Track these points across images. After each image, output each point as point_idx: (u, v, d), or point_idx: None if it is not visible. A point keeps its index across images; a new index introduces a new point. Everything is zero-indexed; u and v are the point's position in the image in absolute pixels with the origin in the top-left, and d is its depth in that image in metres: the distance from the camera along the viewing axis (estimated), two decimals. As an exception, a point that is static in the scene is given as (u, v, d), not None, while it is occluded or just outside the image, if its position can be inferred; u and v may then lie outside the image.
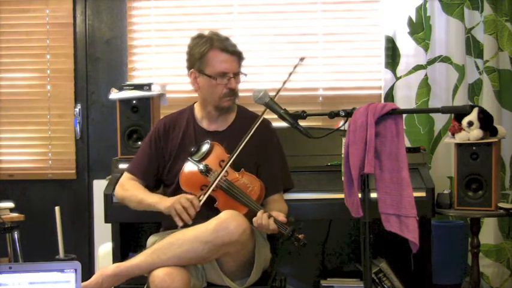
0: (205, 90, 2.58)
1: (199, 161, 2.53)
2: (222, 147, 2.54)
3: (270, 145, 2.63)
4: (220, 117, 2.64)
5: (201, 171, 2.50)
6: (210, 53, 2.52)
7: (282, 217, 2.31)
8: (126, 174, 2.70)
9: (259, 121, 2.46)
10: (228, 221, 2.26)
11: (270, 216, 2.29)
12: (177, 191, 2.57)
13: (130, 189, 2.61)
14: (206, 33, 2.59)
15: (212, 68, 2.53)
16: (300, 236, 2.26)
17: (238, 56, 2.56)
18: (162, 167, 2.66)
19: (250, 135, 2.43)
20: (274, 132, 2.67)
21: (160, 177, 2.68)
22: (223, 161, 2.50)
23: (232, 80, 2.53)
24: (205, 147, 2.55)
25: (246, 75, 2.60)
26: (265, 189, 2.52)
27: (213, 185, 2.41)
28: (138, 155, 2.72)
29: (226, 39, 2.57)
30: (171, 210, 2.38)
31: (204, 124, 2.66)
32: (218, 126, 2.64)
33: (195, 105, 2.71)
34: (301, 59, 2.44)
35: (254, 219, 2.32)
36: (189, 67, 2.60)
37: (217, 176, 2.42)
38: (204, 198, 2.40)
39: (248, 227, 2.31)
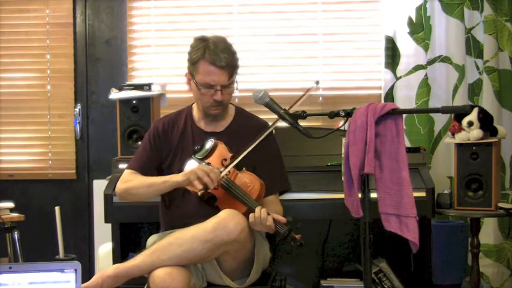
0: (194, 95, 2.58)
1: (202, 159, 2.53)
2: (226, 146, 2.54)
3: (269, 147, 2.63)
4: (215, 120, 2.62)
5: None
6: (200, 62, 2.48)
7: (280, 217, 2.31)
8: (126, 171, 2.65)
9: (267, 130, 2.44)
10: (227, 220, 2.26)
11: (268, 214, 2.29)
12: (176, 189, 2.56)
13: (135, 180, 2.57)
14: (207, 37, 2.53)
15: (200, 76, 2.49)
16: (297, 236, 2.26)
17: (229, 69, 2.48)
18: (160, 166, 2.65)
19: (257, 142, 2.42)
20: (272, 134, 2.67)
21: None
22: (225, 159, 2.51)
23: (219, 93, 2.48)
24: (208, 145, 2.54)
25: (237, 85, 2.56)
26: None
27: (231, 166, 2.41)
28: (138, 153, 2.70)
29: (222, 50, 2.46)
30: (191, 175, 2.35)
31: (202, 125, 2.65)
32: (215, 127, 2.63)
33: (193, 105, 2.70)
34: (317, 83, 2.45)
35: (251, 214, 2.31)
36: (187, 68, 2.59)
37: (232, 163, 2.42)
38: (224, 171, 2.39)
39: (247, 226, 2.31)
